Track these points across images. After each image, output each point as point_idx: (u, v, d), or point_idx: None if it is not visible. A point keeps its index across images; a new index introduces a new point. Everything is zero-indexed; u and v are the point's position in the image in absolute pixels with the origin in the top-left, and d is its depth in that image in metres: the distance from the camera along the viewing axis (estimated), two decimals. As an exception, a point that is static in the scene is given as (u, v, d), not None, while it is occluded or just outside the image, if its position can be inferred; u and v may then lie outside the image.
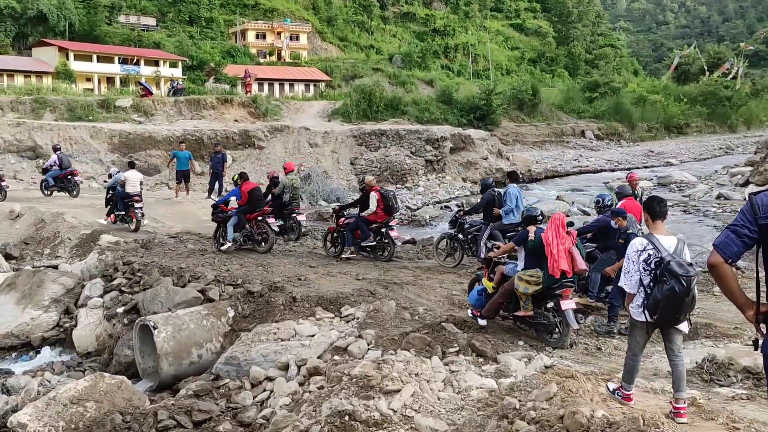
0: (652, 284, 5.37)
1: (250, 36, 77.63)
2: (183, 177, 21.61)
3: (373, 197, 13.71)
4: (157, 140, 28.44)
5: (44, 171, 21.17)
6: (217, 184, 21.69)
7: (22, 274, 12.94)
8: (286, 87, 64.78)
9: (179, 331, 9.07)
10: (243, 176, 14.68)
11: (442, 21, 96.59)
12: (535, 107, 59.44)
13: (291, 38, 79.45)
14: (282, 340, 8.47)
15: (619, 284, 5.92)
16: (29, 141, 25.72)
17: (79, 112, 32.18)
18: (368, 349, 7.81)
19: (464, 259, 13.52)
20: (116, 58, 57.54)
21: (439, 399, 6.19)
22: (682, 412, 5.38)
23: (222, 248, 14.02)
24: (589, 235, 10.18)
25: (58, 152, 20.94)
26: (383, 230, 13.85)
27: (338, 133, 33.93)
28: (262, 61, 72.62)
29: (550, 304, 8.20)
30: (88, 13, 62.68)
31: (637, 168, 42.60)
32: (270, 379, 7.60)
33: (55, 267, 13.88)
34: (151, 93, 41.22)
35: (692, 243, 17.73)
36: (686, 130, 67.47)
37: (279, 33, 78.20)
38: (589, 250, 9.55)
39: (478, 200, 13.75)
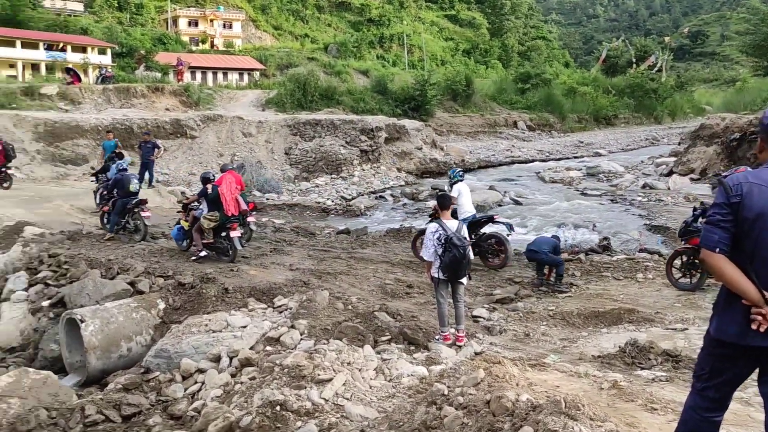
0: (443, 253, 7.73)
1: (182, 23, 75.99)
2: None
3: None
4: (84, 129, 27.55)
5: None
6: (147, 174, 21.27)
7: (-60, 268, 12.41)
8: (220, 75, 63.61)
9: (108, 324, 8.89)
10: None
11: (378, 11, 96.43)
12: (468, 98, 59.86)
13: (224, 26, 78.22)
14: (214, 331, 8.40)
15: (421, 254, 8.73)
16: (-53, 129, 24.58)
17: (2, 100, 30.93)
18: (301, 339, 7.82)
19: None
20: (41, 44, 55.33)
21: (370, 387, 6.26)
22: (461, 337, 8.06)
23: None
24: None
25: None
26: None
27: (272, 122, 33.57)
28: (194, 48, 71.13)
29: (224, 234, 12.09)
30: (11, -3, 60.11)
31: (567, 158, 43.63)
32: (201, 371, 7.54)
33: (-24, 260, 13.37)
34: (79, 80, 39.95)
35: (618, 232, 18.30)
36: (614, 121, 69.11)
37: (212, 20, 76.85)
38: None
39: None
